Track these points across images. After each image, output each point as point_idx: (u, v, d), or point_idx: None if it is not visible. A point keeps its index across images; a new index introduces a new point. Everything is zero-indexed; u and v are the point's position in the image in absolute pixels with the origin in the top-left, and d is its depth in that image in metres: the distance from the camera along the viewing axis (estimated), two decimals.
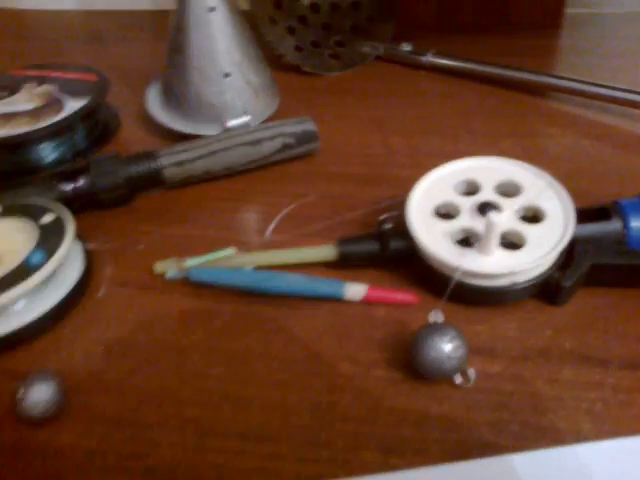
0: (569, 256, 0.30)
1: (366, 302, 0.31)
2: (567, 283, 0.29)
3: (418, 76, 0.54)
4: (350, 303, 0.31)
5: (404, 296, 0.31)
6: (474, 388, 0.27)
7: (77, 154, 0.43)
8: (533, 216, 0.31)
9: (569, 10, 0.62)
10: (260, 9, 0.53)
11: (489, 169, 0.34)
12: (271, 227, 0.36)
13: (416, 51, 0.55)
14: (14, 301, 0.29)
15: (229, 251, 0.33)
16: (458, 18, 0.62)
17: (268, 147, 0.40)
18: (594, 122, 0.46)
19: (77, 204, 0.36)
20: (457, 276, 0.28)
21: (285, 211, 0.37)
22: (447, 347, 0.26)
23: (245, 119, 0.44)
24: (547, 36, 0.61)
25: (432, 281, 0.31)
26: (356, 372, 0.28)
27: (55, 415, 0.26)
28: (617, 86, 0.45)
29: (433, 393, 0.27)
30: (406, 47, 0.55)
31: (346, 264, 0.33)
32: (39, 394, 0.26)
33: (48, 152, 0.42)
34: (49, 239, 0.31)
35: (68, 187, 0.36)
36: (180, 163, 0.38)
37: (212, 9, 0.42)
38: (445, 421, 0.26)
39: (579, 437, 0.25)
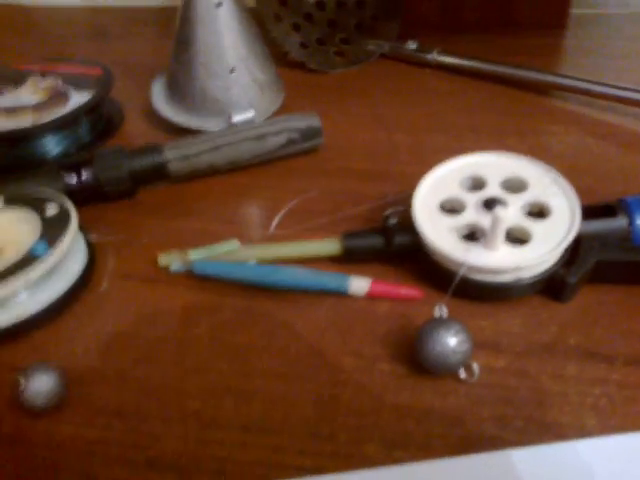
0: (574, 252, 0.30)
1: (370, 297, 0.31)
2: (572, 279, 0.29)
3: (423, 74, 0.54)
4: (354, 297, 0.31)
5: (408, 291, 0.31)
6: (478, 383, 0.27)
7: (81, 148, 0.43)
8: (539, 212, 0.31)
9: (574, 10, 0.62)
10: (266, 6, 0.53)
11: (495, 165, 0.33)
12: (275, 221, 0.36)
13: (421, 49, 0.55)
14: (16, 292, 0.29)
15: (232, 243, 0.33)
16: (463, 17, 0.62)
17: (273, 142, 0.40)
18: (599, 121, 0.45)
19: (81, 196, 0.36)
20: (462, 271, 0.28)
21: (289, 206, 0.37)
22: (452, 341, 0.25)
23: (250, 115, 0.44)
24: (552, 36, 0.61)
25: (437, 276, 0.31)
26: (359, 366, 0.28)
27: (56, 406, 0.26)
28: (622, 85, 0.45)
29: (437, 387, 0.27)
30: (411, 45, 0.55)
31: (350, 259, 0.32)
32: (40, 385, 0.26)
33: (52, 146, 0.42)
34: (53, 231, 0.31)
35: (72, 179, 0.36)
36: (185, 157, 0.38)
37: (219, 4, 0.42)
38: (449, 416, 0.26)
39: (583, 433, 0.25)
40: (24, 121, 0.41)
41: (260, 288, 0.31)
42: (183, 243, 0.34)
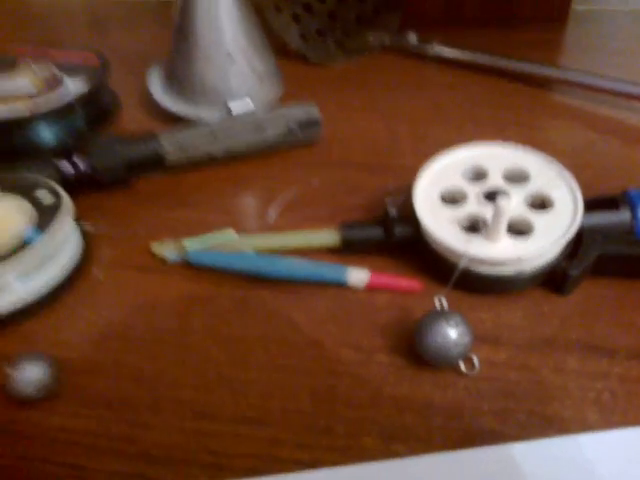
0: (576, 245, 0.29)
1: (369, 288, 0.30)
2: (574, 272, 0.29)
3: (424, 67, 0.53)
4: (353, 289, 0.31)
5: (408, 283, 0.30)
6: (478, 376, 0.26)
7: (76, 137, 0.43)
8: (541, 204, 0.31)
9: (575, 6, 0.62)
10: None
11: (497, 156, 0.33)
12: (273, 211, 0.35)
13: (422, 41, 0.54)
14: (8, 279, 0.28)
15: (227, 232, 0.32)
16: (464, 10, 0.62)
17: (271, 132, 0.39)
18: (600, 115, 0.45)
19: (76, 184, 0.35)
20: (464, 263, 0.28)
21: (287, 196, 0.36)
22: (453, 333, 0.25)
23: (247, 103, 0.43)
24: (552, 31, 0.60)
25: (437, 268, 0.30)
26: (358, 358, 0.27)
27: (46, 397, 0.26)
28: (624, 79, 0.45)
29: (436, 380, 0.26)
30: (412, 38, 0.55)
31: (349, 250, 0.32)
32: (30, 374, 0.25)
33: (47, 134, 0.41)
34: (46, 218, 0.30)
35: (67, 168, 0.35)
36: (181, 146, 0.38)
37: None
38: (448, 409, 0.25)
39: (585, 427, 0.24)
40: (18, 108, 0.40)
41: (257, 278, 0.31)
42: (179, 233, 0.34)
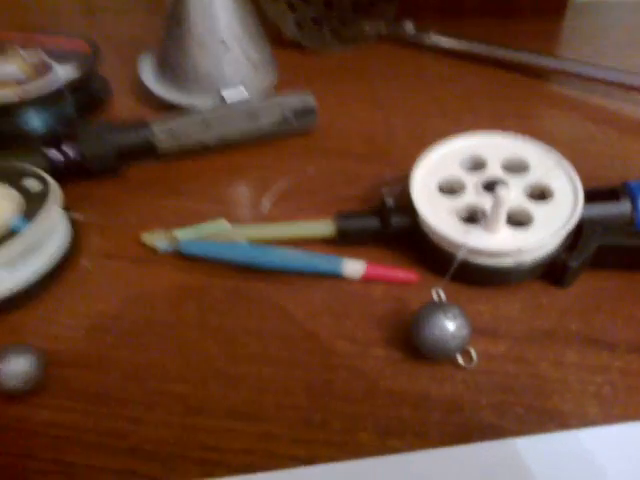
0: (576, 237, 0.29)
1: (365, 280, 0.30)
2: (574, 264, 0.28)
3: (420, 57, 0.53)
4: (348, 280, 0.30)
5: (405, 274, 0.30)
6: (476, 369, 0.26)
7: (66, 124, 0.42)
8: (540, 194, 0.30)
9: None
10: None
11: (495, 145, 0.32)
12: (267, 201, 0.34)
13: (419, 31, 0.53)
14: None
15: (220, 222, 0.31)
16: (462, 0, 0.61)
17: (265, 120, 0.39)
18: (598, 106, 0.45)
19: (65, 172, 0.35)
20: (462, 254, 0.27)
21: (281, 185, 0.36)
22: (451, 326, 0.24)
23: (242, 93, 0.42)
24: (551, 22, 0.60)
25: (434, 259, 0.30)
26: (354, 351, 0.27)
27: (33, 390, 0.25)
28: (621, 70, 0.44)
29: (434, 373, 0.26)
30: (408, 27, 0.54)
31: (345, 241, 0.31)
32: (16, 367, 0.24)
33: (35, 120, 0.40)
34: (33, 206, 0.29)
35: (55, 154, 0.34)
36: (173, 133, 0.37)
37: None
38: (446, 403, 0.25)
39: (586, 421, 0.24)
40: (6, 94, 0.39)
41: (251, 269, 0.30)
42: (171, 223, 0.33)
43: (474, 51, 0.51)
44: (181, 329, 0.28)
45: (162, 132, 0.37)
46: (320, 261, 0.30)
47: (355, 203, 0.34)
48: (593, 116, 0.43)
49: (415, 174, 0.31)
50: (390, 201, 0.30)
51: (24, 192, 0.30)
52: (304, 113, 0.40)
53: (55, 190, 0.31)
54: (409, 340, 0.26)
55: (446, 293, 0.26)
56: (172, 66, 0.43)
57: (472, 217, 0.30)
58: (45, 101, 0.40)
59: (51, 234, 0.30)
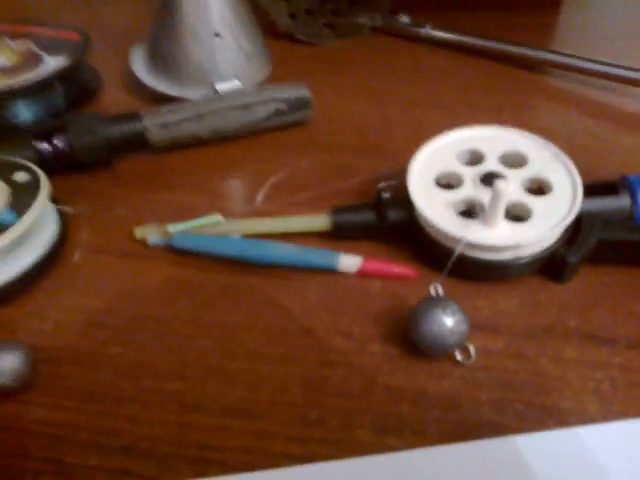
0: (575, 231, 0.29)
1: (361, 274, 0.29)
2: (573, 258, 0.28)
3: (415, 49, 0.52)
4: (344, 275, 0.29)
5: (401, 269, 0.29)
6: (475, 365, 0.25)
7: (55, 115, 0.41)
8: (538, 188, 0.30)
9: None
10: None
11: (493, 139, 0.32)
12: (261, 194, 0.34)
13: (414, 23, 0.53)
14: None
15: (215, 217, 0.31)
16: None
17: (259, 112, 0.38)
18: (595, 100, 0.44)
19: (54, 164, 0.34)
20: (460, 248, 0.27)
21: (276, 178, 0.35)
22: (449, 321, 0.24)
23: (234, 84, 0.42)
24: (546, 15, 0.59)
25: (431, 254, 0.29)
26: (350, 347, 0.26)
27: (23, 387, 0.24)
28: (617, 63, 0.44)
29: (432, 370, 0.25)
30: (404, 19, 0.53)
31: (340, 235, 0.31)
32: (5, 363, 0.24)
33: (24, 111, 0.39)
34: (21, 198, 0.29)
35: (44, 146, 0.34)
36: (165, 125, 0.36)
37: None
38: (444, 399, 0.24)
39: (585, 418, 0.23)
40: None
41: (245, 264, 0.30)
42: (163, 217, 0.32)
43: (470, 44, 0.50)
44: (175, 325, 0.28)
45: (154, 124, 0.36)
46: (315, 255, 0.30)
47: (351, 197, 0.34)
48: (589, 110, 0.43)
49: (412, 167, 0.30)
50: (387, 195, 0.29)
51: (12, 184, 0.30)
52: (299, 105, 0.39)
53: (45, 183, 0.30)
54: (407, 336, 0.26)
55: (443, 288, 0.26)
56: (164, 57, 0.42)
57: (470, 211, 0.29)
58: (34, 92, 0.39)
59: (40, 227, 0.30)
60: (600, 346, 0.26)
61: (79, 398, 0.25)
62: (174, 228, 0.31)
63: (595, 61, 0.44)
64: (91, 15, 0.59)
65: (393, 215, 0.30)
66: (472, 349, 0.25)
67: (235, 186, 0.36)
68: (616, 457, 0.22)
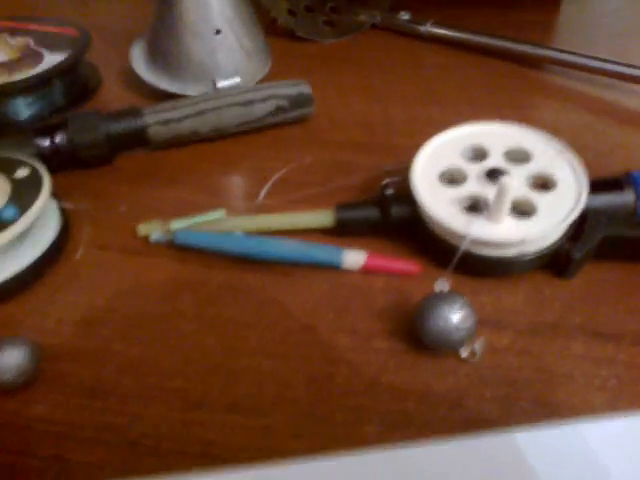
0: (580, 227, 0.28)
1: (365, 271, 0.29)
2: (578, 255, 0.28)
3: (416, 46, 0.52)
4: (348, 272, 0.29)
5: (406, 265, 0.29)
6: (480, 362, 0.25)
7: (55, 111, 0.41)
8: (543, 184, 0.30)
9: None
10: None
11: (497, 135, 0.32)
12: (264, 191, 0.34)
13: (414, 20, 0.53)
14: None
15: (219, 213, 0.31)
16: None
17: (260, 109, 0.38)
18: (596, 97, 0.44)
19: (55, 161, 0.34)
20: (465, 244, 0.27)
21: (279, 174, 0.35)
22: (455, 317, 0.24)
23: (235, 81, 0.41)
24: (547, 12, 0.59)
25: (436, 250, 0.29)
26: (355, 343, 0.26)
27: (26, 384, 0.24)
28: (617, 60, 0.44)
29: (437, 366, 0.25)
30: (404, 16, 0.53)
31: (344, 231, 0.31)
32: (9, 360, 0.23)
33: (23, 107, 0.39)
34: (23, 195, 0.28)
35: (45, 143, 0.34)
36: (166, 122, 0.36)
37: None
38: (450, 396, 0.24)
39: (591, 414, 0.23)
40: None
41: (248, 260, 0.29)
42: (165, 213, 0.32)
43: (471, 41, 0.50)
44: (178, 322, 0.27)
45: (155, 121, 0.36)
46: (319, 252, 0.29)
47: (353, 194, 0.34)
48: (591, 107, 0.43)
49: (416, 163, 0.30)
50: (390, 191, 0.29)
51: (13, 180, 0.29)
52: (300, 102, 0.39)
53: (46, 179, 0.30)
54: (411, 332, 0.26)
55: (448, 284, 0.26)
56: (164, 54, 0.42)
57: (474, 207, 0.29)
58: (33, 88, 0.39)
59: (42, 224, 0.29)
60: (605, 342, 0.26)
61: (82, 395, 0.24)
62: (177, 224, 0.31)
63: (596, 58, 0.44)
64: (91, 12, 0.59)
65: (397, 211, 0.30)
66: (478, 346, 0.25)
67: (237, 183, 0.36)
68: (622, 453, 0.22)
